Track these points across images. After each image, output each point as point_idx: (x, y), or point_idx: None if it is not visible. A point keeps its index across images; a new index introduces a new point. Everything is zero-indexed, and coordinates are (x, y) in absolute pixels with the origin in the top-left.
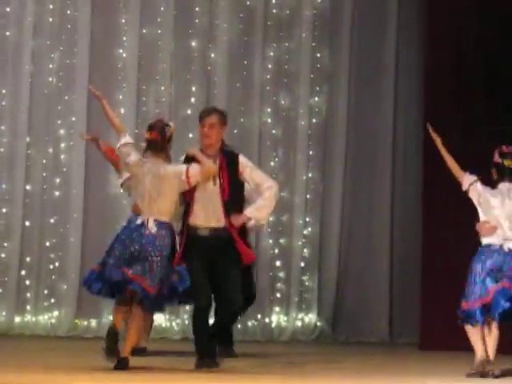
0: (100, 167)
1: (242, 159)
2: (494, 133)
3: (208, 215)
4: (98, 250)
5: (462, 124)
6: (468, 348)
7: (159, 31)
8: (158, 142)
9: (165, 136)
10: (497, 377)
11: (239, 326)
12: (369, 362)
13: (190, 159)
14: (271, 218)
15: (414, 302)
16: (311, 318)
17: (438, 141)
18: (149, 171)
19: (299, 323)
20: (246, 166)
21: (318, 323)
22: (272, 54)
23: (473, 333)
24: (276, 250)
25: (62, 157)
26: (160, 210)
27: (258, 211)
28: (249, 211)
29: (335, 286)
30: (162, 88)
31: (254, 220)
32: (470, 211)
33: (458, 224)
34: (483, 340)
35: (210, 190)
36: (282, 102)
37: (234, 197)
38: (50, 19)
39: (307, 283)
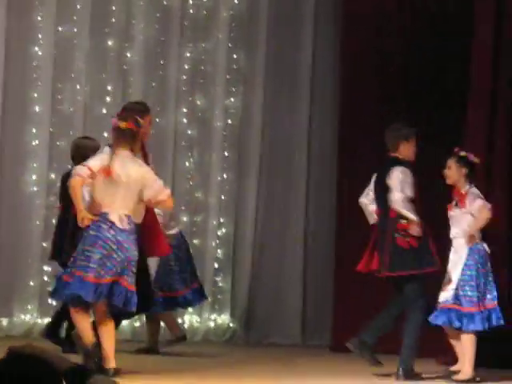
0: (14, 165)
1: None
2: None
3: None
4: (11, 249)
5: (378, 128)
6: (378, 350)
7: (75, 29)
8: (129, 132)
9: (138, 126)
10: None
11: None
12: (280, 364)
13: None
14: (185, 219)
15: (326, 304)
16: (224, 319)
17: None
18: None
19: (212, 324)
20: None
21: (231, 324)
22: (188, 54)
23: None
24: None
25: None
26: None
27: None
28: None
29: (248, 288)
30: (78, 87)
31: None
32: None
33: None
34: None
35: None
36: (198, 103)
37: None
38: None
39: (220, 284)
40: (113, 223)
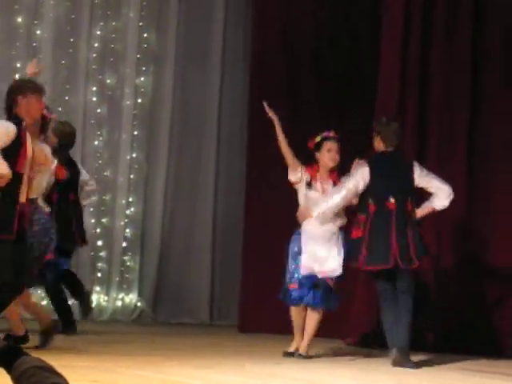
0: None
1: None
2: (323, 114)
3: None
4: None
5: (290, 105)
6: (285, 330)
7: None
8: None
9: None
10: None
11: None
12: (187, 343)
13: None
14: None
15: (234, 284)
16: (132, 298)
17: (276, 120)
18: None
19: (119, 303)
20: None
21: (139, 303)
22: (99, 32)
23: None
24: (98, 230)
25: None
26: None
27: None
28: None
29: (157, 267)
30: None
31: None
32: (292, 191)
33: (282, 203)
34: None
35: None
36: (108, 81)
37: None
38: None
39: (129, 263)
40: None
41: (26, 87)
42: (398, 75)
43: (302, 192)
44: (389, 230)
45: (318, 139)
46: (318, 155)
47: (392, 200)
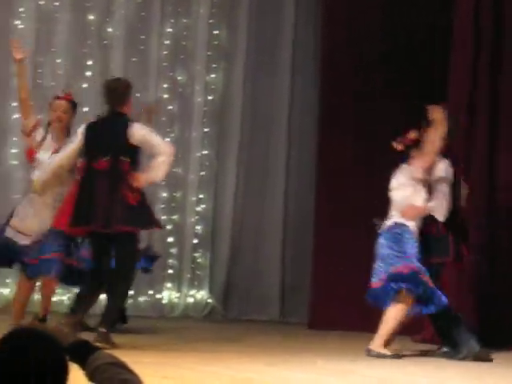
0: None
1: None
2: (392, 113)
3: None
4: None
5: (359, 99)
6: (356, 327)
7: (57, 3)
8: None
9: None
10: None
11: (131, 301)
12: (258, 340)
13: None
14: (164, 194)
15: (305, 281)
16: (203, 294)
17: None
18: None
19: (191, 300)
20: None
21: (209, 300)
22: (169, 29)
23: None
24: (169, 227)
25: None
26: None
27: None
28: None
29: (227, 264)
30: (58, 61)
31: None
32: (363, 189)
33: (353, 201)
34: None
35: None
36: (179, 78)
37: None
38: None
39: (199, 260)
40: None
41: None
42: (469, 78)
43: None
44: None
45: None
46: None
47: None
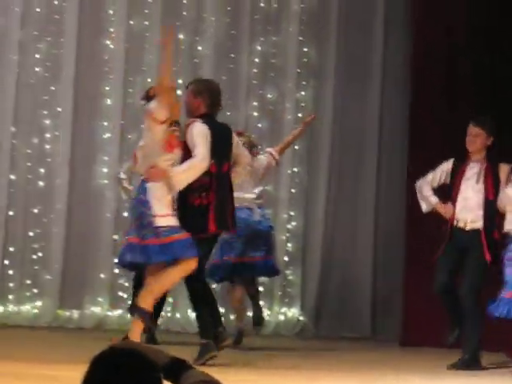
0: (85, 158)
1: (193, 125)
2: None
3: None
4: (82, 241)
5: (449, 118)
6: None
7: (147, 23)
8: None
9: (148, 96)
10: None
11: (223, 318)
12: (350, 358)
13: None
14: None
15: (397, 298)
16: (294, 312)
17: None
18: None
19: (282, 317)
20: (191, 135)
21: (301, 318)
22: (259, 47)
23: None
24: None
25: (47, 147)
26: None
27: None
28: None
29: (318, 281)
30: (149, 80)
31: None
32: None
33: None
34: None
35: None
36: (269, 96)
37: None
38: (38, 9)
39: (290, 277)
40: None
41: None
42: None
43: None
44: None
45: None
46: None
47: None
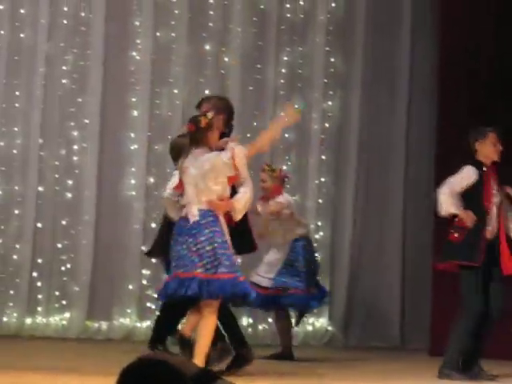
0: (112, 169)
1: (237, 150)
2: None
3: None
4: (110, 253)
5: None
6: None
7: (173, 34)
8: (193, 133)
9: (199, 126)
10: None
11: (249, 329)
12: (378, 368)
13: None
14: None
15: (425, 307)
16: (322, 322)
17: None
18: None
19: (310, 328)
20: (241, 158)
21: (329, 328)
22: (285, 58)
23: None
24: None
25: (75, 159)
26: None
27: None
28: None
29: (346, 291)
30: (176, 91)
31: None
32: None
33: None
34: None
35: None
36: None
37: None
38: (65, 21)
39: None
40: None
41: None
42: None
43: None
44: None
45: None
46: None
47: None
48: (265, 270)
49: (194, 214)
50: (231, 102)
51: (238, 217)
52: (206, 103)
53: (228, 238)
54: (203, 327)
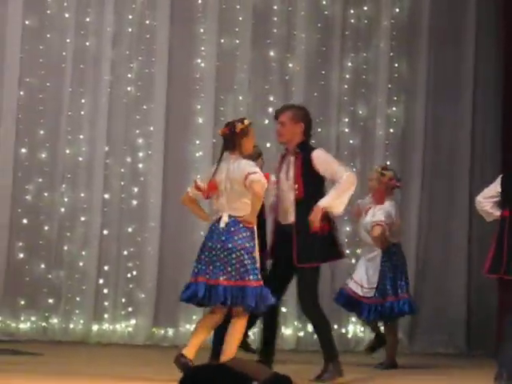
0: (178, 176)
1: (315, 154)
2: None
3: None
4: (175, 259)
5: None
6: None
7: (237, 41)
8: (227, 137)
9: (233, 131)
10: None
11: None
12: (444, 374)
13: None
14: (347, 228)
15: (492, 312)
16: None
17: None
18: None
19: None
20: (322, 160)
21: None
22: (350, 63)
23: None
24: (353, 261)
25: (140, 166)
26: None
27: (328, 201)
28: (321, 201)
29: (412, 297)
30: (240, 98)
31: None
32: None
33: None
34: None
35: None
36: (360, 112)
37: (310, 194)
38: (129, 29)
39: None
40: None
41: None
42: None
43: None
44: None
45: None
46: None
47: None
48: (365, 279)
49: (224, 220)
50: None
51: (340, 210)
52: (284, 112)
53: (256, 244)
54: (232, 331)
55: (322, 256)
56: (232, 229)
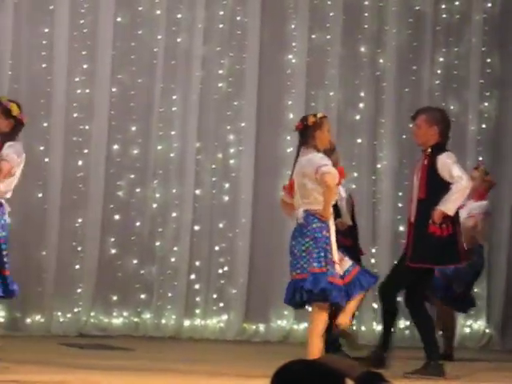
0: (269, 172)
1: (440, 157)
2: None
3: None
4: (267, 255)
5: None
6: None
7: (328, 36)
8: (301, 131)
9: (306, 125)
10: None
11: (407, 332)
12: None
13: None
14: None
15: None
16: (480, 325)
17: None
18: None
19: (467, 330)
20: (444, 164)
21: (487, 330)
22: (441, 59)
23: None
24: None
25: (231, 162)
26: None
27: (444, 204)
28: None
29: (505, 293)
30: (331, 93)
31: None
32: None
33: None
34: None
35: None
36: (452, 108)
37: (432, 195)
38: (220, 25)
39: (476, 290)
40: None
41: None
42: None
43: None
44: None
45: None
46: None
47: None
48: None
49: (299, 215)
50: (446, 113)
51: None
52: (420, 115)
53: (333, 236)
54: (313, 326)
55: (436, 259)
56: (306, 223)
